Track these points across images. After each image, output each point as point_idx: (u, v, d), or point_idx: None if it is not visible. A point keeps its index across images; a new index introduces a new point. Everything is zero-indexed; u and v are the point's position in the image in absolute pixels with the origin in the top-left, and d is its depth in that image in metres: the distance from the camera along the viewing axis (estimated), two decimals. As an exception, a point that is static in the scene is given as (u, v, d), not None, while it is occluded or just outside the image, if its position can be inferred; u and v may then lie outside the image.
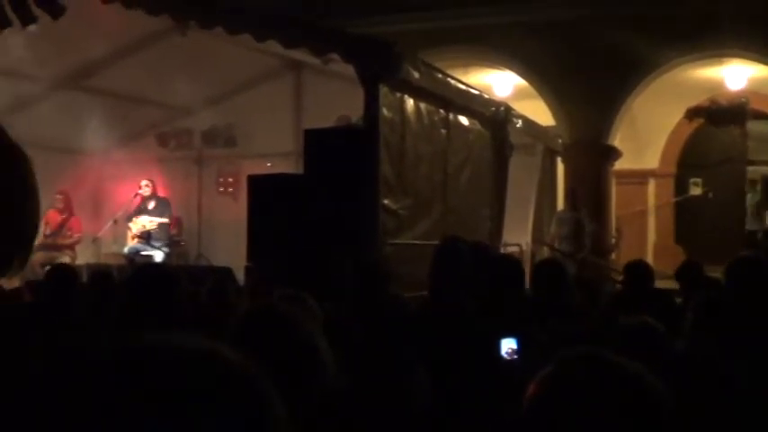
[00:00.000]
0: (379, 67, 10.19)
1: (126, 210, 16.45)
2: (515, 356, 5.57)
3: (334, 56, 11.04)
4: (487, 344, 5.66)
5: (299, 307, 4.01)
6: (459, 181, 12.53)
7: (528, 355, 5.46)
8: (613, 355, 2.23)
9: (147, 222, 15.93)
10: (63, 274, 8.14)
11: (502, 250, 13.48)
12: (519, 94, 18.94)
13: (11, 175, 1.55)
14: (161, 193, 16.76)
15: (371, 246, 9.84)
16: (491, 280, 6.68)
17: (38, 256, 15.61)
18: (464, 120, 12.79)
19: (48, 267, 10.39)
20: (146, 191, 16.27)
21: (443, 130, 12.09)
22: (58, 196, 16.37)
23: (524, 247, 15.45)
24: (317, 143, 10.81)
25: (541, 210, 16.57)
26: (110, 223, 16.21)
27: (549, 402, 2.11)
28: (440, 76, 11.84)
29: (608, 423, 2.08)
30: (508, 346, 5.60)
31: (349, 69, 10.58)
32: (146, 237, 15.67)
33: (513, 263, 7.31)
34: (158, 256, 15.27)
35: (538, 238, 16.12)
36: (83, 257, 16.77)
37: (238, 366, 1.10)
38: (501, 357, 5.57)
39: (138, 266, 5.31)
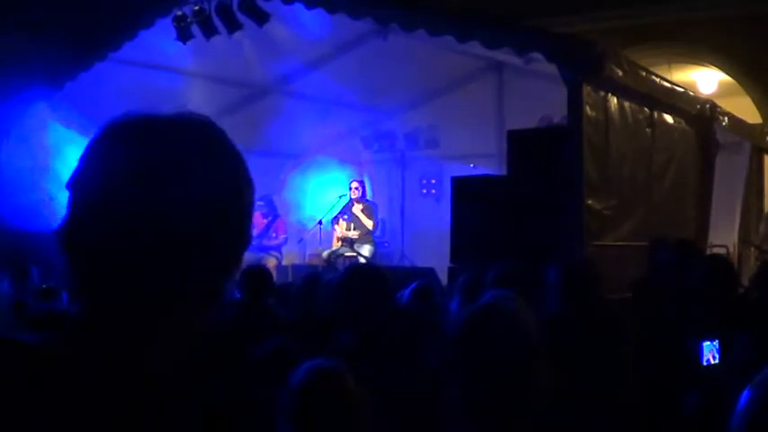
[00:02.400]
0: (582, 66, 10.00)
1: (332, 212, 16.57)
2: (716, 359, 5.39)
3: (536, 55, 10.90)
4: (688, 346, 5.49)
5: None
6: (663, 181, 12.21)
7: (730, 358, 5.26)
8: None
9: (351, 232, 15.96)
10: (254, 275, 8.27)
11: (708, 251, 13.10)
12: (724, 91, 18.39)
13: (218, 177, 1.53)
14: (368, 195, 16.82)
15: (576, 247, 9.67)
16: (697, 280, 6.46)
17: (244, 258, 15.91)
18: (669, 118, 12.46)
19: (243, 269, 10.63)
20: (355, 193, 16.29)
21: (648, 129, 11.79)
22: (260, 202, 16.62)
23: (731, 249, 14.97)
24: (519, 144, 10.76)
25: (749, 210, 16.01)
26: (315, 225, 16.37)
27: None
28: (644, 73, 11.54)
29: None
30: (709, 348, 5.42)
31: (550, 68, 10.43)
32: (349, 242, 15.77)
33: (721, 262, 7.06)
34: (362, 258, 15.35)
35: (745, 239, 15.59)
36: (288, 259, 17.05)
37: None
38: (701, 359, 5.40)
39: (350, 266, 5.35)
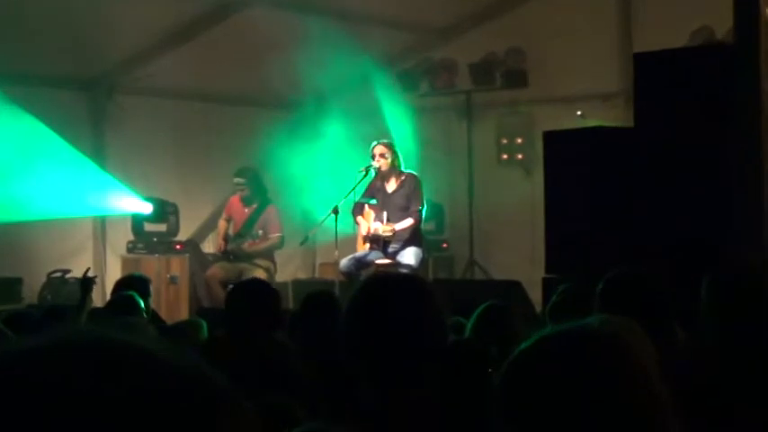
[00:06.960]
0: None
1: (354, 195, 15.59)
2: None
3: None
4: None
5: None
6: None
7: None
8: None
9: (379, 227, 14.94)
10: (238, 296, 8.11)
11: None
12: None
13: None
14: (404, 165, 15.83)
15: (754, 245, 9.50)
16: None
17: (215, 271, 15.28)
18: None
19: (230, 288, 10.35)
20: (381, 162, 15.23)
21: None
22: (239, 180, 15.83)
23: None
24: (656, 75, 10.63)
25: None
26: (327, 215, 15.65)
27: None
28: None
29: None
30: None
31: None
32: (380, 242, 14.92)
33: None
34: (403, 269, 14.69)
35: None
36: (286, 271, 16.81)
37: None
38: None
39: (370, 278, 5.17)
